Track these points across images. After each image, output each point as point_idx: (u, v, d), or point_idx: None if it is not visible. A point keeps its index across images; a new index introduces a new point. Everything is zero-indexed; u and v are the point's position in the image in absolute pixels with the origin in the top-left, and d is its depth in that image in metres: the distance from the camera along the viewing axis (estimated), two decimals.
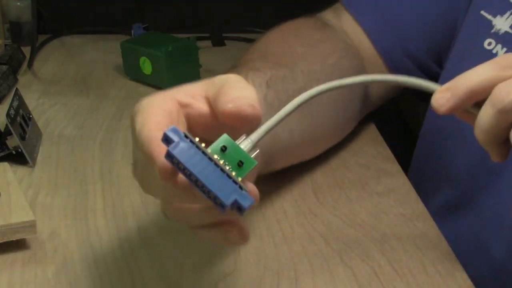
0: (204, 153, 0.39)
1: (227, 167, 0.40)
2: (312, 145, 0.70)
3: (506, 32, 0.67)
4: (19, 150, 0.71)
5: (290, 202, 0.66)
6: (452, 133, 0.72)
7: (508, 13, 0.67)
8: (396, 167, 0.72)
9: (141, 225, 0.62)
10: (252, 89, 0.44)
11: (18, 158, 0.71)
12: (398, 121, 0.98)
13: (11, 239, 0.57)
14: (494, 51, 0.68)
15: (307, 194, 0.67)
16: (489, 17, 0.69)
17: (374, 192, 0.68)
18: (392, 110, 0.99)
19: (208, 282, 0.55)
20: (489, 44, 0.68)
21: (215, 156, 0.40)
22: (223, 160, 0.41)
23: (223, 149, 0.41)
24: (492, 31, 0.68)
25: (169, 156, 0.39)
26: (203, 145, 0.40)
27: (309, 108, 0.65)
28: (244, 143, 0.42)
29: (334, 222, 0.63)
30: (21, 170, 0.71)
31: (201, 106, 0.45)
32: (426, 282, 0.56)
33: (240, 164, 0.41)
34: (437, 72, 0.76)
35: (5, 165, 0.67)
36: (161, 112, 0.44)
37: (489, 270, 0.56)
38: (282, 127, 0.43)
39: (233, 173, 0.40)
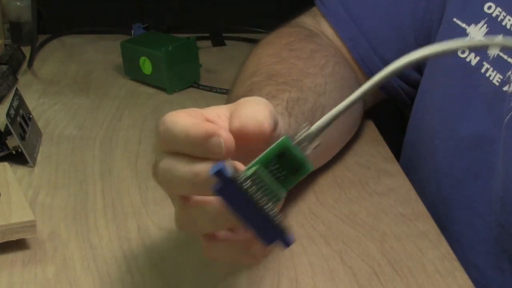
0: (249, 195, 0.40)
1: (269, 208, 0.41)
2: (323, 158, 0.70)
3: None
4: (19, 150, 0.71)
5: (290, 202, 0.65)
6: (424, 143, 0.72)
7: (482, 22, 0.68)
8: (396, 167, 0.72)
9: (141, 225, 0.62)
10: (267, 104, 0.45)
11: (18, 158, 0.71)
12: (398, 121, 0.98)
13: (11, 239, 0.57)
14: (467, 59, 0.68)
15: (307, 194, 0.67)
16: (463, 25, 0.69)
17: (374, 192, 0.68)
18: (392, 110, 0.99)
19: (208, 282, 0.55)
20: (463, 52, 0.68)
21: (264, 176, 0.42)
22: (277, 167, 0.42)
23: (281, 155, 0.42)
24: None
25: (217, 192, 0.40)
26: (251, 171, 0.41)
27: None
28: (305, 134, 0.43)
29: (334, 222, 0.63)
30: (21, 170, 0.71)
31: (225, 125, 0.46)
32: (426, 282, 0.56)
33: (294, 171, 0.43)
34: (417, 79, 0.77)
35: (5, 165, 0.67)
36: (188, 115, 0.45)
37: (474, 283, 0.56)
38: None
39: (275, 213, 0.41)
